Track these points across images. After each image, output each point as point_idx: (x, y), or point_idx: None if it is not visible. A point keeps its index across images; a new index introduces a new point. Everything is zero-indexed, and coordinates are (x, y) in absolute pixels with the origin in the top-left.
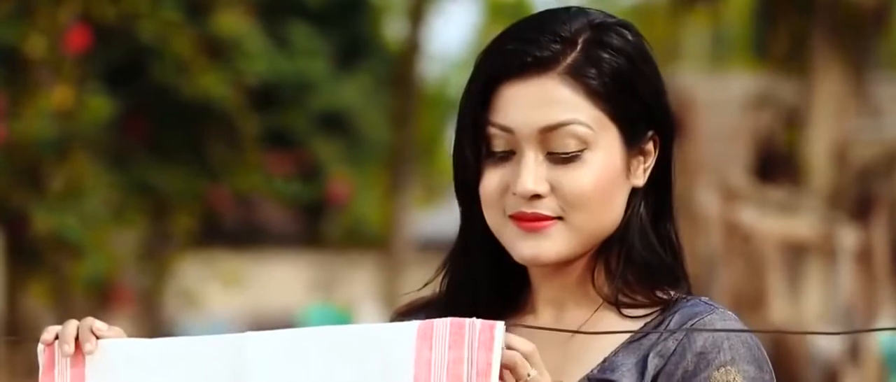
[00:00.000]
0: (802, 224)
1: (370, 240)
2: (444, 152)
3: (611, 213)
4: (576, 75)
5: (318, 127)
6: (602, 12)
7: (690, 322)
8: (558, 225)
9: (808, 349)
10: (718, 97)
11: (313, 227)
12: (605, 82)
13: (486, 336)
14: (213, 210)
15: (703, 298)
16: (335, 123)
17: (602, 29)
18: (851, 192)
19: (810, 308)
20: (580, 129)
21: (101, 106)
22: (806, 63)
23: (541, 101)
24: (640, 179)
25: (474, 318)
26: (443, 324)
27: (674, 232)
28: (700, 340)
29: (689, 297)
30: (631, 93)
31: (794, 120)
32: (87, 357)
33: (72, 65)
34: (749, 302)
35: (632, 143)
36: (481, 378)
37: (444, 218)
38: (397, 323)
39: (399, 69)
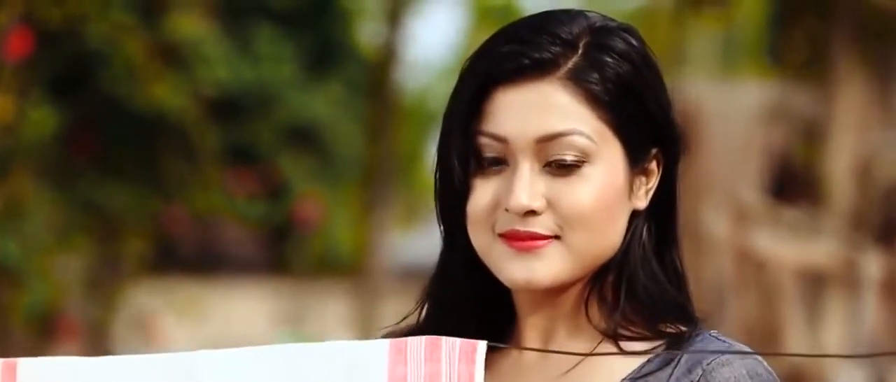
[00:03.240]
0: (822, 249)
1: (343, 267)
2: (425, 169)
3: (611, 236)
4: (577, 80)
5: (284, 141)
6: (602, 16)
7: (706, 362)
8: (555, 244)
9: None
10: (728, 108)
11: (280, 252)
12: (609, 88)
13: (468, 349)
14: (167, 232)
15: (712, 332)
16: (304, 137)
17: (603, 33)
18: (876, 214)
19: (830, 342)
20: (581, 140)
21: (44, 118)
22: (825, 70)
23: (538, 108)
24: (641, 201)
25: (453, 337)
26: (417, 341)
27: (679, 262)
28: (720, 380)
29: (698, 331)
30: (635, 102)
31: (812, 133)
32: (21, 379)
33: (12, 72)
34: (762, 337)
35: (635, 161)
36: None
37: (424, 243)
38: (367, 341)
39: (375, 77)
